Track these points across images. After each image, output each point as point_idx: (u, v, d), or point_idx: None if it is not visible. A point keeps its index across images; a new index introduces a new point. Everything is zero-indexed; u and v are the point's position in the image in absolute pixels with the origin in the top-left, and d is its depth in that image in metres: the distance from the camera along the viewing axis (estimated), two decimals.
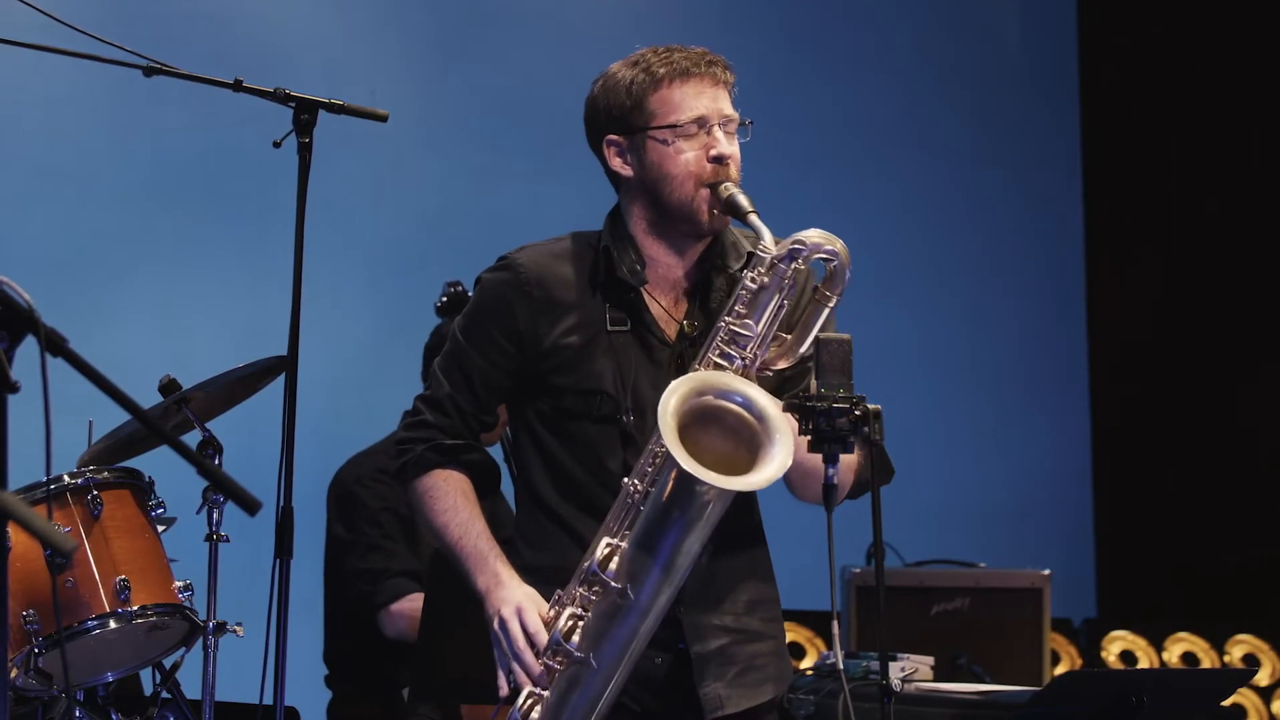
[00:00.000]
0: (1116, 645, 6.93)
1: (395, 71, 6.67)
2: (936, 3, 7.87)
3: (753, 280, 3.37)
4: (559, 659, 3.33)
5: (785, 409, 3.35)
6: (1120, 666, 6.82)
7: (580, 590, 3.33)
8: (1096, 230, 7.99)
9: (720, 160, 3.44)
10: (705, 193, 3.43)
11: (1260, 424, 7.58)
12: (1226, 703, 4.79)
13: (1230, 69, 7.74)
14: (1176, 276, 7.78)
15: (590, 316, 3.47)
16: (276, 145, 3.85)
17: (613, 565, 3.30)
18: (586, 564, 3.32)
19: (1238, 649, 6.94)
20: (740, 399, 3.29)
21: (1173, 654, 6.92)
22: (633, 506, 3.32)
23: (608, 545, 3.31)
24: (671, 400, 3.25)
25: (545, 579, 3.43)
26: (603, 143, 3.50)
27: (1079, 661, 6.88)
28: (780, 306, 3.37)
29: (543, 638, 3.34)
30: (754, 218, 3.38)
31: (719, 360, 3.36)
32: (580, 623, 3.33)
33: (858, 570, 5.95)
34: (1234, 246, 7.68)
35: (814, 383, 3.23)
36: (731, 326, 3.37)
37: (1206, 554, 7.53)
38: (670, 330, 3.49)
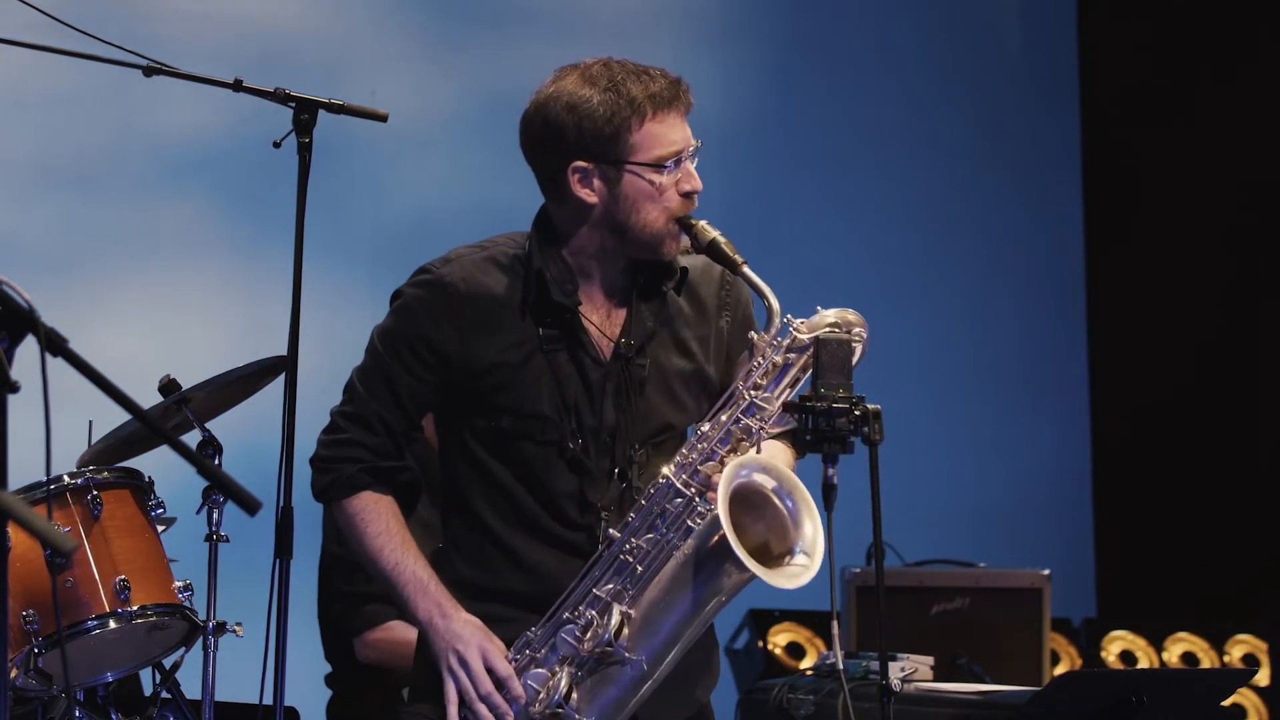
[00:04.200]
0: (1116, 645, 6.93)
1: (395, 71, 6.66)
2: (936, 3, 7.87)
3: (778, 354, 3.35)
4: (552, 715, 3.31)
5: (785, 408, 3.35)
6: (1120, 666, 6.81)
7: (578, 647, 3.30)
8: (1096, 231, 7.99)
9: (691, 195, 3.40)
10: (674, 227, 3.39)
11: (1261, 424, 7.58)
12: (1226, 703, 4.79)
13: (1230, 69, 7.73)
14: (1177, 277, 7.77)
15: (524, 335, 3.41)
16: (276, 145, 3.85)
17: (625, 634, 3.28)
18: (597, 629, 3.28)
19: (1237, 649, 6.94)
20: (791, 504, 3.29)
21: (1172, 654, 6.92)
22: (628, 564, 3.30)
23: (620, 614, 3.28)
24: (728, 473, 3.24)
25: (483, 598, 3.43)
26: (566, 168, 3.38)
27: (1079, 661, 6.87)
28: (796, 380, 3.36)
29: (515, 685, 3.33)
30: (747, 270, 3.35)
31: (733, 428, 3.34)
32: (579, 683, 3.31)
33: (857, 570, 5.95)
34: (1235, 246, 7.68)
35: (814, 383, 3.23)
36: (752, 398, 3.34)
37: (1206, 554, 7.53)
38: (604, 348, 3.44)
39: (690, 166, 3.40)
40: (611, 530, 3.33)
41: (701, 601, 3.29)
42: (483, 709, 3.32)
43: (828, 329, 3.33)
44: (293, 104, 3.86)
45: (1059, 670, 6.59)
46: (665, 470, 3.33)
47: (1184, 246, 7.76)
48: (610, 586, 3.30)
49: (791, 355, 3.34)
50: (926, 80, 7.74)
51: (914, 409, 7.16)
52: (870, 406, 3.18)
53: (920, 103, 7.71)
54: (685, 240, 3.46)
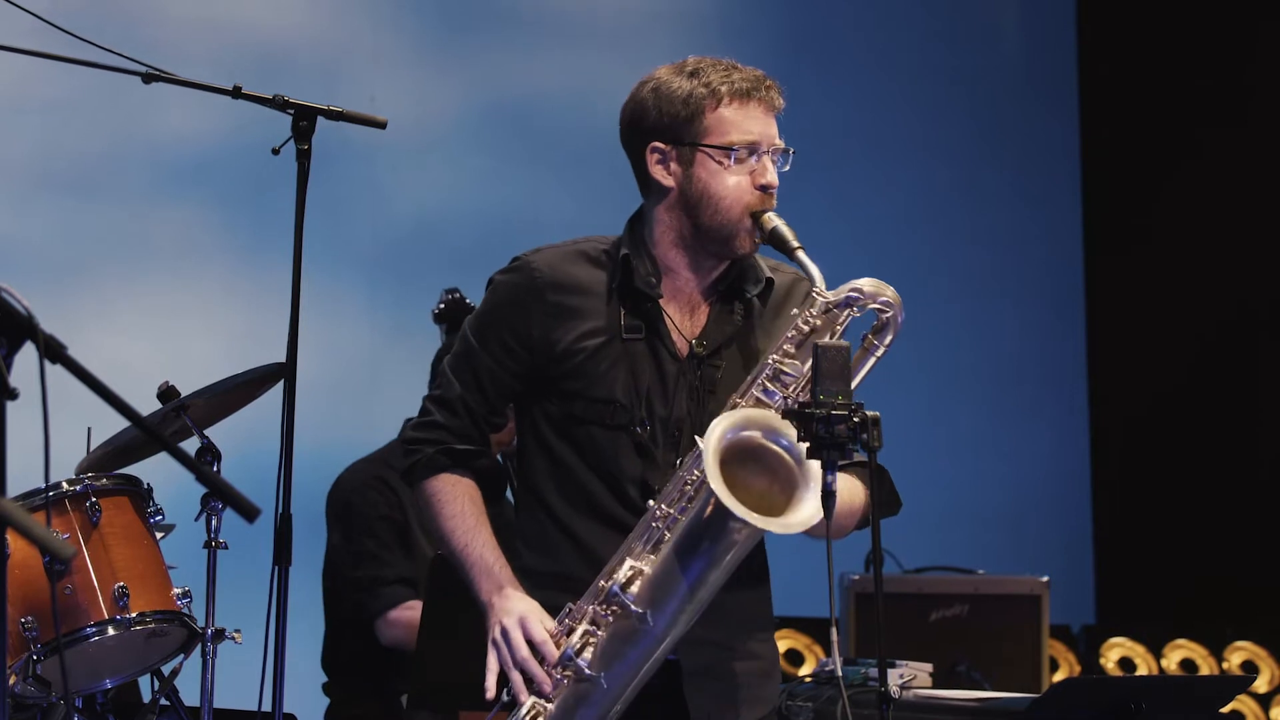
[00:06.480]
0: (1115, 652, 6.93)
1: (394, 77, 6.67)
2: (936, 5, 7.88)
3: (805, 322, 3.37)
4: (568, 673, 3.33)
5: (784, 416, 3.35)
6: (1119, 673, 6.82)
7: (596, 607, 3.33)
8: (1096, 232, 7.99)
9: (766, 189, 3.45)
10: (748, 221, 3.44)
11: (1260, 430, 7.58)
12: (1225, 710, 4.79)
13: (1230, 69, 7.74)
14: (1176, 279, 7.78)
15: (605, 322, 3.46)
16: (275, 152, 3.85)
17: (634, 588, 3.29)
18: (607, 584, 3.31)
19: (1236, 656, 6.94)
20: (786, 443, 3.28)
21: (1171, 661, 6.92)
22: (658, 531, 3.32)
23: (631, 568, 3.30)
24: (716, 432, 3.26)
25: (545, 584, 3.44)
26: (645, 148, 3.47)
27: (1078, 668, 6.87)
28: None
29: (550, 649, 3.33)
30: (801, 254, 3.39)
31: (761, 396, 3.36)
32: (593, 640, 3.32)
33: (856, 577, 5.95)
34: (1235, 248, 7.68)
35: (812, 390, 3.23)
36: (779, 365, 3.37)
37: (1205, 560, 7.53)
38: (682, 346, 3.48)
39: (768, 161, 3.47)
40: (650, 501, 3.35)
41: (712, 561, 3.30)
42: (516, 675, 3.34)
43: (849, 290, 3.37)
44: (291, 110, 3.86)
45: (1058, 677, 6.59)
46: (698, 439, 3.35)
47: (1183, 248, 7.77)
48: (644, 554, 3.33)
49: (818, 321, 3.38)
50: (926, 82, 7.74)
51: (913, 414, 7.16)
52: (869, 413, 3.18)
53: (920, 105, 7.72)
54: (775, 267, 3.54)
